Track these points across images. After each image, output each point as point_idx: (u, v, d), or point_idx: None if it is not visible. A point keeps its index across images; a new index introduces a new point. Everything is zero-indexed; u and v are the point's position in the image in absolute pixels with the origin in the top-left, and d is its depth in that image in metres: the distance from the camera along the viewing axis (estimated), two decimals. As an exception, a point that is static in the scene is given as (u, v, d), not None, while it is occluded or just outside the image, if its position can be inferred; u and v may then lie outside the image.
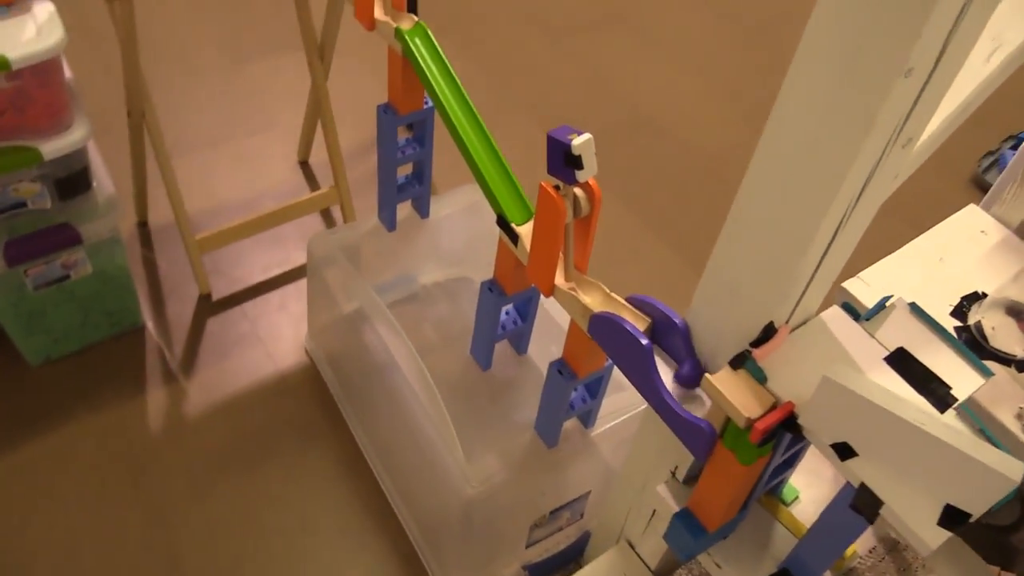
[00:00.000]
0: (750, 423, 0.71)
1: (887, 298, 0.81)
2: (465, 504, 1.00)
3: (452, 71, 1.01)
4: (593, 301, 0.86)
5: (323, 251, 1.24)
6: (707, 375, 0.73)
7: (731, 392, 0.72)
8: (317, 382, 1.39)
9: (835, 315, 0.79)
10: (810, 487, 0.96)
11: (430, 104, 1.13)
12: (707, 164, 1.88)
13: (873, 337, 0.77)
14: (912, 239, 0.88)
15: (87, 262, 1.27)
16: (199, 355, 1.40)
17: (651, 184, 1.82)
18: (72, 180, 1.18)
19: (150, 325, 1.44)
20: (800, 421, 0.71)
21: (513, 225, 0.93)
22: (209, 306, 1.48)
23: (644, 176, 1.84)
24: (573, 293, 0.86)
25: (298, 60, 1.95)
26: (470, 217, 1.30)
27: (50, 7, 1.07)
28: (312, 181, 1.72)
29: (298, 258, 1.57)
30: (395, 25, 1.02)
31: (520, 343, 1.14)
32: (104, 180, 1.26)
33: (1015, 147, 1.98)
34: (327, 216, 1.65)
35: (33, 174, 1.15)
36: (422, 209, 1.27)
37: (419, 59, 1.01)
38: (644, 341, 0.78)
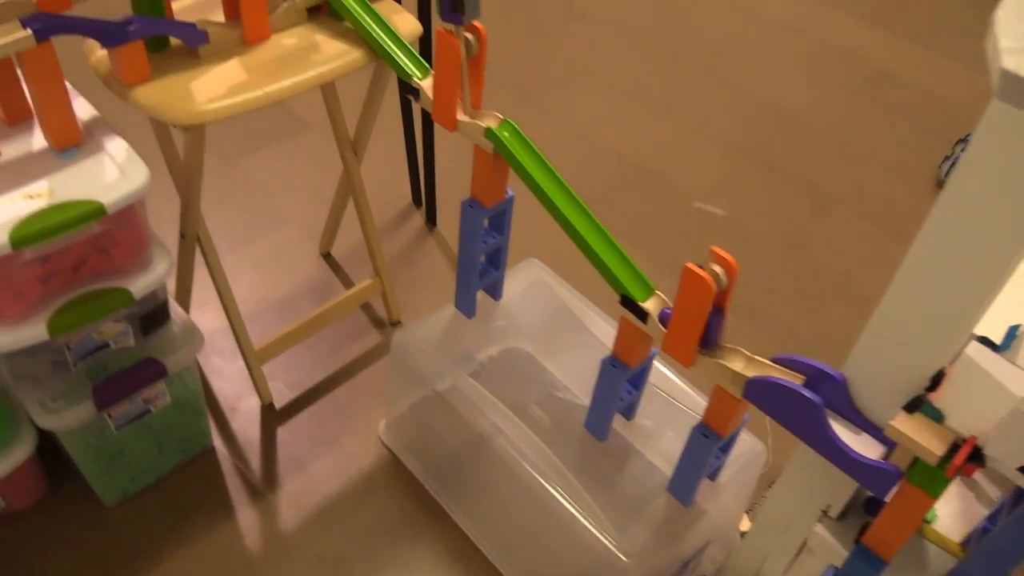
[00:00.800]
0: (942, 460, 0.77)
1: (1015, 327, 0.89)
2: (620, 576, 1.03)
3: (547, 161, 1.05)
4: (740, 366, 0.92)
5: (409, 343, 1.26)
6: (891, 422, 0.79)
7: (916, 435, 0.79)
8: (402, 473, 1.39)
9: (978, 350, 0.86)
10: (944, 504, 1.03)
11: (511, 194, 1.17)
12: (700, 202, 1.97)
13: (1016, 366, 0.84)
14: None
15: (166, 393, 1.26)
16: (278, 467, 1.39)
17: (658, 229, 1.90)
18: (154, 314, 1.17)
19: (219, 444, 1.42)
20: (986, 452, 0.77)
21: (640, 304, 0.98)
22: (274, 415, 1.46)
23: (651, 223, 1.91)
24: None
25: (285, 150, 1.97)
26: (535, 292, 1.34)
27: (123, 143, 1.07)
28: (339, 272, 1.73)
29: (350, 352, 1.57)
30: (484, 125, 1.06)
31: (630, 410, 1.18)
32: (174, 306, 1.25)
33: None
34: (365, 306, 1.66)
35: (119, 314, 1.13)
36: (495, 292, 1.30)
37: (514, 155, 1.05)
38: (817, 400, 0.84)
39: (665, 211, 1.95)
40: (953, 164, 2.17)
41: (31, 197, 0.99)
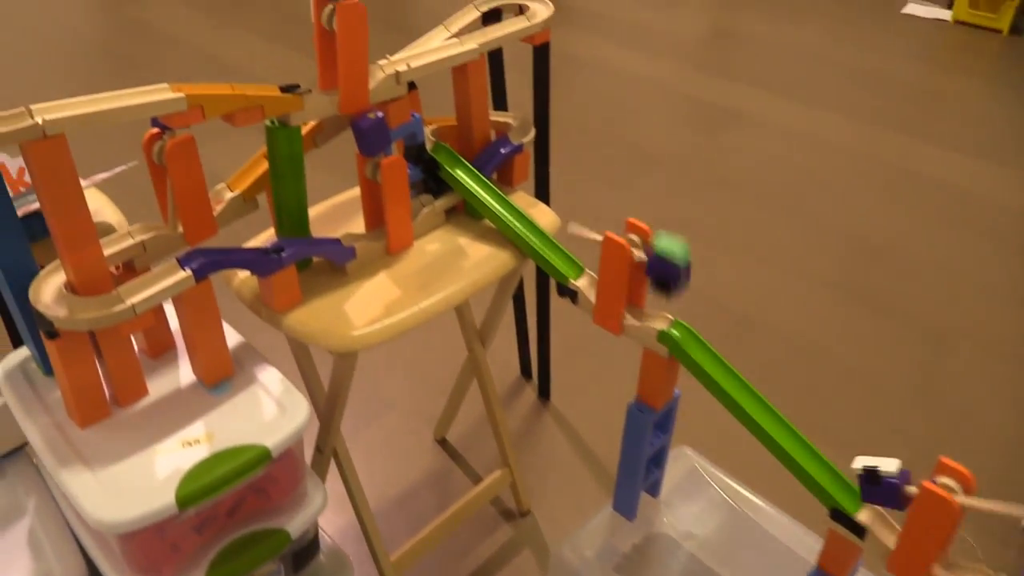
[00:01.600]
0: None
1: None
2: None
3: (724, 359, 0.98)
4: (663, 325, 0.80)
5: (574, 557, 1.15)
6: None
7: None
8: None
9: None
10: None
11: (678, 392, 1.09)
12: (813, 352, 1.88)
13: None
14: None
15: (311, 626, 1.15)
16: None
17: (777, 384, 1.80)
18: (307, 548, 1.09)
19: (357, 669, 1.30)
20: None
21: (852, 516, 0.88)
22: (413, 631, 1.35)
23: (766, 377, 1.82)
24: None
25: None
26: (693, 486, 1.25)
27: (276, 374, 1.01)
28: (459, 460, 1.65)
29: (482, 551, 1.47)
30: (656, 329, 0.99)
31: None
32: (321, 534, 1.16)
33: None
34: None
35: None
36: (654, 490, 1.21)
37: (692, 358, 0.97)
38: None
39: (777, 363, 1.85)
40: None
41: (189, 444, 0.93)
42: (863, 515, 0.90)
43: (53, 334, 0.87)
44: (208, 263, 0.91)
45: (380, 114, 1.01)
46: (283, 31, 3.66)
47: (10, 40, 3.62)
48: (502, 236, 1.14)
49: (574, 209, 2.36)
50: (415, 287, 1.05)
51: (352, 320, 1.00)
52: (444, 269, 1.08)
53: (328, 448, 1.23)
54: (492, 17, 1.27)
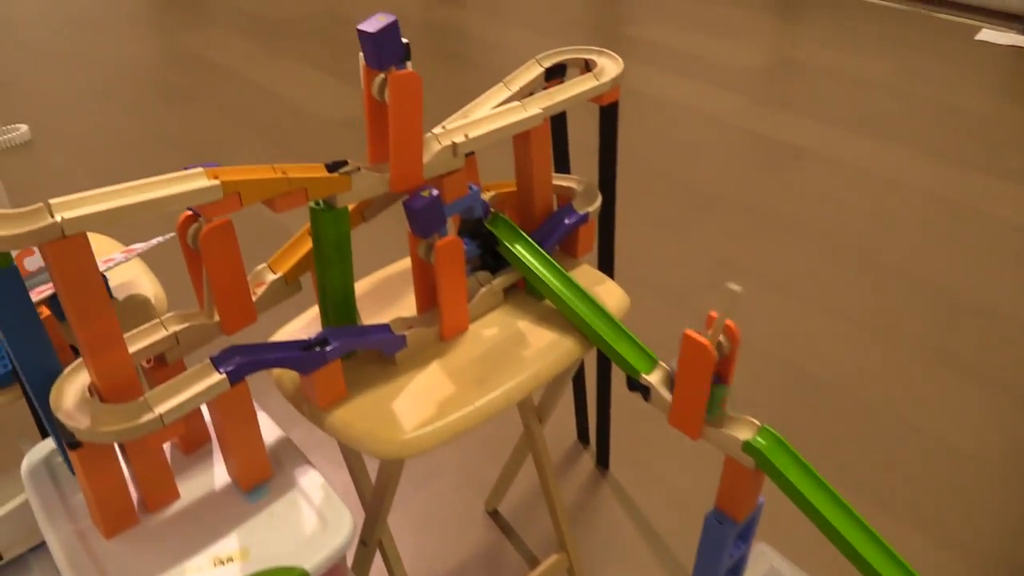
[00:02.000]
0: None
1: None
2: None
3: (816, 472, 0.86)
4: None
5: None
6: None
7: None
8: None
9: None
10: None
11: (762, 500, 0.97)
12: (892, 421, 1.74)
13: None
14: None
15: None
16: None
17: (859, 458, 1.66)
18: (348, 664, 0.98)
19: None
20: None
21: None
22: None
23: (849, 450, 1.68)
24: None
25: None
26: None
27: (318, 478, 0.92)
28: (511, 535, 1.54)
29: (537, 645, 1.36)
30: (741, 438, 0.87)
31: None
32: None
33: None
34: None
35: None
36: (731, 598, 1.09)
37: (781, 472, 0.86)
38: None
39: (851, 433, 1.72)
40: None
41: (222, 562, 0.84)
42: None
43: (75, 444, 0.79)
44: (245, 364, 0.83)
45: (435, 192, 0.92)
46: (339, 64, 3.62)
47: (67, 70, 3.63)
48: (564, 318, 1.04)
49: (625, 251, 2.25)
50: (471, 381, 0.95)
51: (401, 421, 0.90)
52: (502, 359, 0.98)
53: (373, 542, 1.14)
54: (556, 72, 1.18)
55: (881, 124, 2.98)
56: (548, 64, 1.16)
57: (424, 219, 0.92)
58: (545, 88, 1.18)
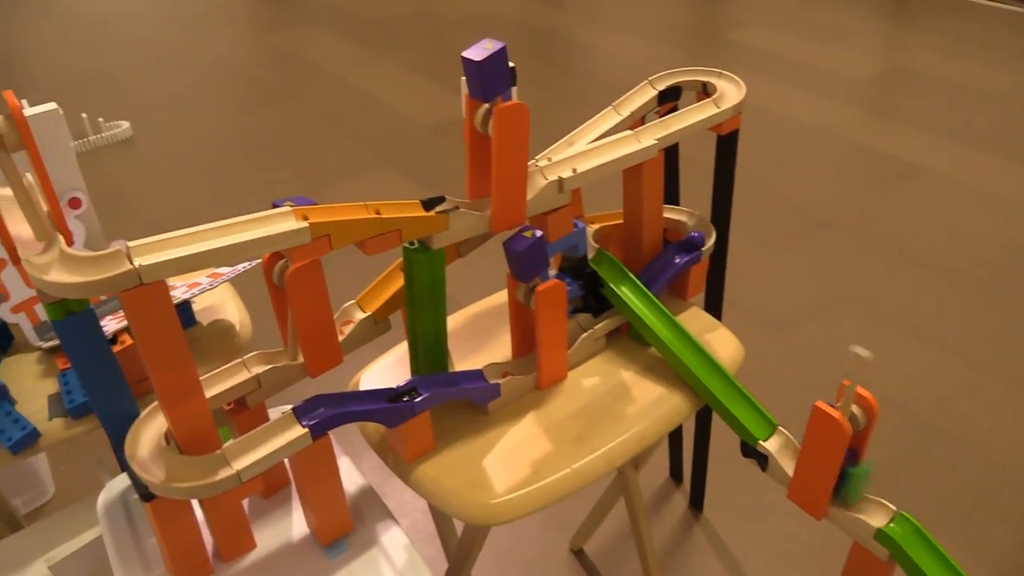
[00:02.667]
0: None
1: None
2: None
3: (959, 568, 0.75)
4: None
5: None
6: None
7: None
8: None
9: None
10: None
11: (892, 590, 0.86)
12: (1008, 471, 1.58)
13: None
14: None
15: None
16: None
17: (982, 518, 1.52)
18: None
19: None
20: None
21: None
22: None
23: (969, 509, 1.54)
24: None
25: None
26: None
27: (400, 535, 0.86)
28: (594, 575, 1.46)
29: None
30: (874, 525, 0.77)
31: None
32: None
33: None
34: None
35: None
36: None
37: (918, 566, 0.75)
38: None
39: (982, 490, 1.57)
40: None
41: (296, 627, 0.78)
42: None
43: (149, 496, 0.74)
44: (329, 418, 0.77)
45: (538, 233, 0.84)
46: (435, 66, 3.58)
47: (167, 68, 3.69)
48: (671, 370, 0.95)
49: (729, 276, 2.12)
50: (569, 439, 0.87)
51: (491, 482, 0.83)
52: (604, 415, 0.90)
53: (454, 594, 1.07)
54: (669, 95, 1.08)
55: (1004, 141, 2.77)
56: (661, 87, 1.07)
57: (526, 262, 0.84)
58: (658, 113, 1.09)
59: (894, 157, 2.71)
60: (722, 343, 0.99)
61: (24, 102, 2.14)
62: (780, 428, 0.87)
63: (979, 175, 2.58)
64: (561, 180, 0.87)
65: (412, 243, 0.82)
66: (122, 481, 0.94)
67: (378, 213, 0.76)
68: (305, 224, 0.71)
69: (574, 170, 0.88)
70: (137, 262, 0.64)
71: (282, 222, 0.71)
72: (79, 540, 0.98)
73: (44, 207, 0.72)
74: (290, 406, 0.78)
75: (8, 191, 0.73)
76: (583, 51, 3.69)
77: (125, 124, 3.02)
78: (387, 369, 0.98)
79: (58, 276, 0.64)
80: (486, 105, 0.80)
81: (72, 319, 0.69)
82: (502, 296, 1.08)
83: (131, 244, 0.66)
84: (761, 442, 0.86)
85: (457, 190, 2.59)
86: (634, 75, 3.21)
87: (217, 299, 1.12)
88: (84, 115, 2.97)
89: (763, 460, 0.86)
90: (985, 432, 1.69)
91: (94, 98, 3.40)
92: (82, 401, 0.97)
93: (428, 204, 0.81)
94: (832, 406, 0.77)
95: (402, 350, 1.01)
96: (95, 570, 1.00)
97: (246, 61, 3.76)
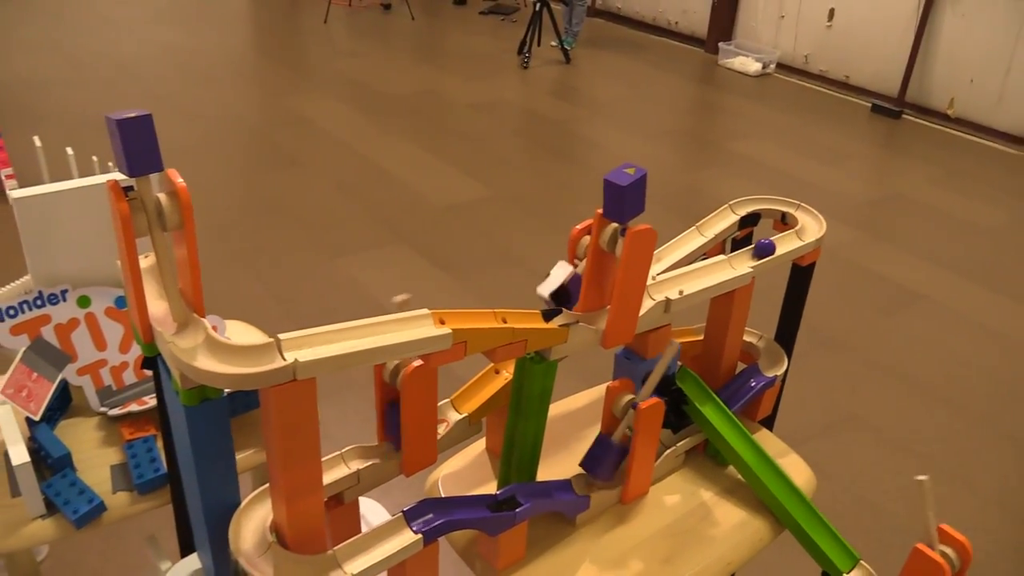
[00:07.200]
0: None
1: None
2: None
3: None
4: None
5: None
6: None
7: None
8: None
9: None
10: None
11: None
12: None
13: None
14: None
15: None
16: None
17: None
18: None
19: None
20: None
21: None
22: None
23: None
24: None
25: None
26: None
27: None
28: None
29: None
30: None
31: None
32: None
33: None
34: None
35: None
36: None
37: None
38: None
39: None
40: None
41: None
42: None
43: (251, 592, 0.72)
44: (441, 525, 0.76)
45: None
46: (443, 146, 3.63)
47: (176, 118, 3.70)
48: (751, 493, 0.95)
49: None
50: (657, 558, 0.87)
51: (584, 600, 0.82)
52: (689, 537, 0.90)
53: None
54: (749, 221, 1.12)
55: (998, 276, 2.87)
56: (742, 212, 1.10)
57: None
58: (736, 238, 1.12)
59: (894, 281, 2.79)
60: (796, 469, 1.00)
61: (36, 138, 2.13)
62: (862, 562, 0.88)
63: (977, 307, 2.66)
64: (668, 301, 0.89)
65: (530, 354, 0.82)
66: (187, 567, 0.91)
67: (505, 321, 0.77)
68: (448, 331, 0.71)
69: (680, 292, 0.90)
70: (291, 356, 0.64)
71: (424, 326, 0.71)
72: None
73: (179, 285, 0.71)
74: (371, 499, 0.77)
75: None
76: (586, 144, 3.78)
77: (137, 174, 3.00)
78: (465, 472, 0.97)
79: (208, 364, 0.63)
80: (615, 225, 0.82)
81: (207, 405, 0.69)
82: (580, 399, 1.09)
83: (282, 337, 0.65)
84: (844, 574, 0.87)
85: (469, 272, 2.61)
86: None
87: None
88: (95, 158, 2.94)
89: (848, 598, 0.86)
90: (995, 570, 1.70)
91: (105, 140, 3.39)
92: (152, 476, 0.95)
93: (547, 315, 0.82)
94: (931, 548, 0.78)
95: (476, 451, 1.00)
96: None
97: (260, 121, 3.79)
